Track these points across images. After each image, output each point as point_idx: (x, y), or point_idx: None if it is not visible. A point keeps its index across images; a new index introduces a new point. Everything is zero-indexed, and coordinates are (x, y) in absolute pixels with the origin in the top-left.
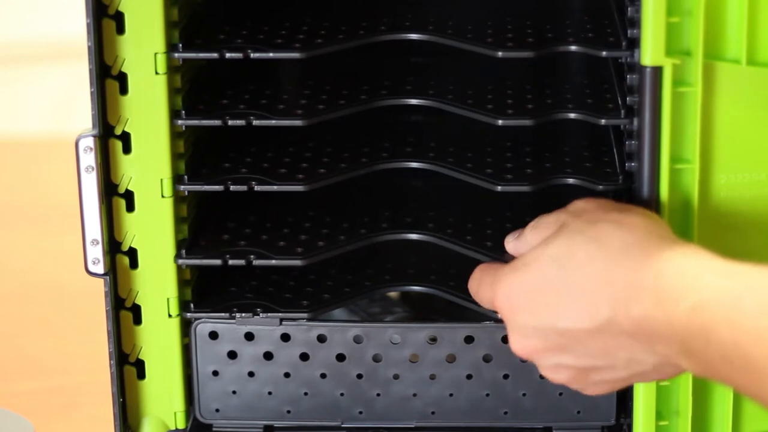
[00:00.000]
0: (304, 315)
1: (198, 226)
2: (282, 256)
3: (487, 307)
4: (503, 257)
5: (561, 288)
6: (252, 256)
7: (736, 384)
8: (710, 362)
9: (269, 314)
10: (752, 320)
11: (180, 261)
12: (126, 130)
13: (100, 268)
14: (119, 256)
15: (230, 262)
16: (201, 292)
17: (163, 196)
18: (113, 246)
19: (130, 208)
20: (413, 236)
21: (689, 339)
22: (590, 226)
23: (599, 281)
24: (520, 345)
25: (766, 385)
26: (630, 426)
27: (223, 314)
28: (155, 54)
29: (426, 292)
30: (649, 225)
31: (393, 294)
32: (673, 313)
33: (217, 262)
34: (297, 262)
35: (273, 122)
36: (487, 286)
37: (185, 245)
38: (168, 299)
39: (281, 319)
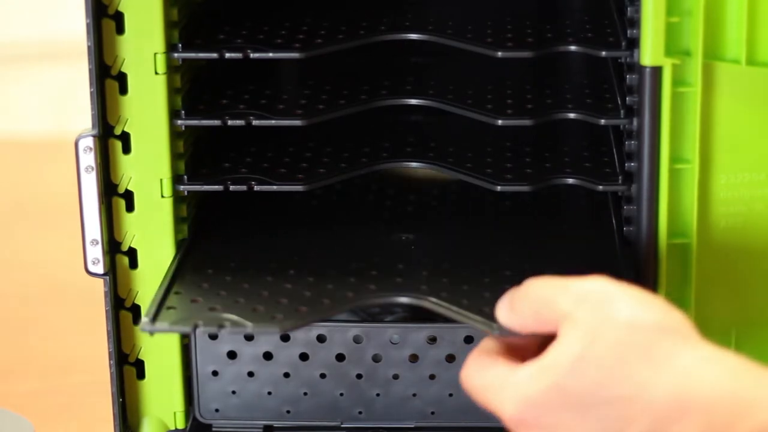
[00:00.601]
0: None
1: (197, 226)
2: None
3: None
4: (493, 325)
5: (589, 404)
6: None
7: None
8: None
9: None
10: None
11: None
12: (126, 130)
13: (99, 268)
14: (119, 256)
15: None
16: None
17: (162, 196)
18: (113, 246)
19: (130, 208)
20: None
21: None
22: (606, 327)
23: (631, 398)
24: None
25: None
26: None
27: None
28: (155, 54)
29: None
30: (671, 324)
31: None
32: None
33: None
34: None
35: (273, 122)
36: (494, 393)
37: (185, 246)
38: None
39: None
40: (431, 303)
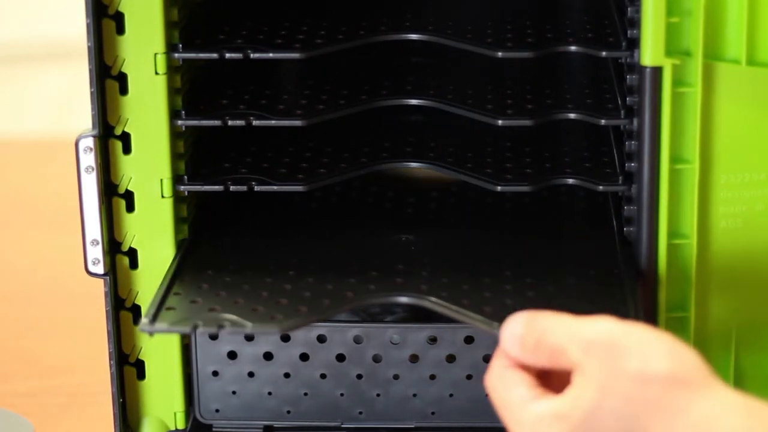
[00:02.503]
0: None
1: (197, 227)
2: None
3: None
4: (494, 324)
5: None
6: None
7: None
8: None
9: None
10: None
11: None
12: (126, 130)
13: (100, 269)
14: (119, 257)
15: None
16: None
17: (163, 197)
18: (113, 246)
19: (130, 208)
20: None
21: None
22: (611, 383)
23: None
24: None
25: None
26: None
27: None
28: (155, 54)
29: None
30: (676, 371)
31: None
32: None
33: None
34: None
35: (273, 122)
36: (516, 421)
37: (184, 247)
38: None
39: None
40: (431, 303)
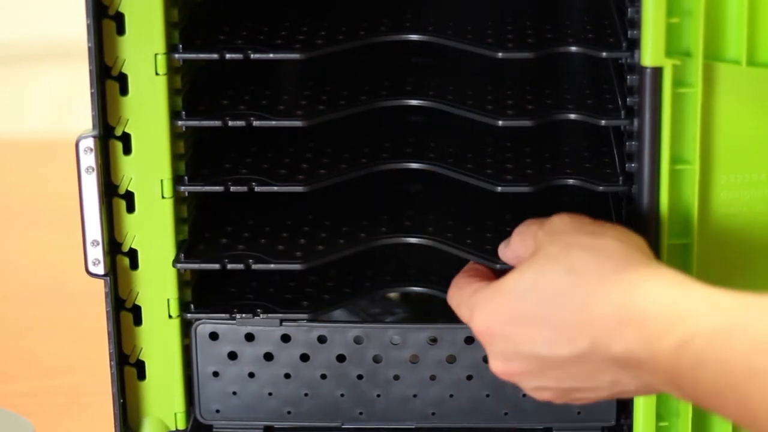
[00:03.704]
0: (305, 315)
1: (197, 227)
2: (281, 261)
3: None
4: (496, 264)
5: (539, 319)
6: (251, 261)
7: (729, 417)
8: (701, 397)
9: (269, 315)
10: (745, 357)
11: (178, 265)
12: (126, 131)
13: (100, 269)
14: (119, 257)
15: (229, 266)
16: (201, 293)
17: (163, 197)
18: (113, 247)
19: (131, 209)
20: (412, 240)
21: (677, 374)
22: (564, 252)
23: (577, 314)
24: (500, 369)
25: (761, 423)
26: (630, 427)
27: (223, 315)
28: (155, 55)
29: (426, 293)
30: (624, 249)
31: (393, 295)
32: (658, 348)
33: (216, 266)
34: (296, 266)
35: (273, 123)
36: (465, 308)
37: (184, 247)
38: (168, 300)
39: (281, 320)
40: (436, 241)
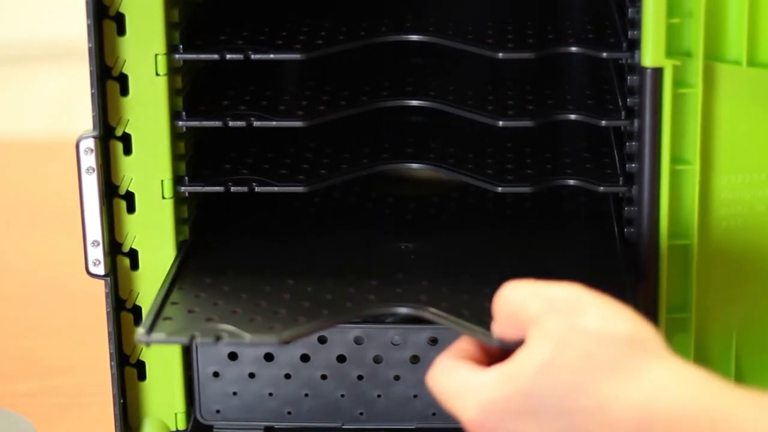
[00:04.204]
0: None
1: (197, 227)
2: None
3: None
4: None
5: (548, 416)
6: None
7: None
8: None
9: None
10: None
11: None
12: (127, 131)
13: (100, 270)
14: (120, 258)
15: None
16: None
17: (163, 198)
18: (114, 247)
19: (131, 209)
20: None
21: None
22: (569, 337)
23: (592, 415)
24: None
25: None
26: None
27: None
28: (156, 55)
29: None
30: (635, 336)
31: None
32: None
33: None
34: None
35: (274, 123)
36: (454, 396)
37: (185, 246)
38: None
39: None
40: (431, 313)
